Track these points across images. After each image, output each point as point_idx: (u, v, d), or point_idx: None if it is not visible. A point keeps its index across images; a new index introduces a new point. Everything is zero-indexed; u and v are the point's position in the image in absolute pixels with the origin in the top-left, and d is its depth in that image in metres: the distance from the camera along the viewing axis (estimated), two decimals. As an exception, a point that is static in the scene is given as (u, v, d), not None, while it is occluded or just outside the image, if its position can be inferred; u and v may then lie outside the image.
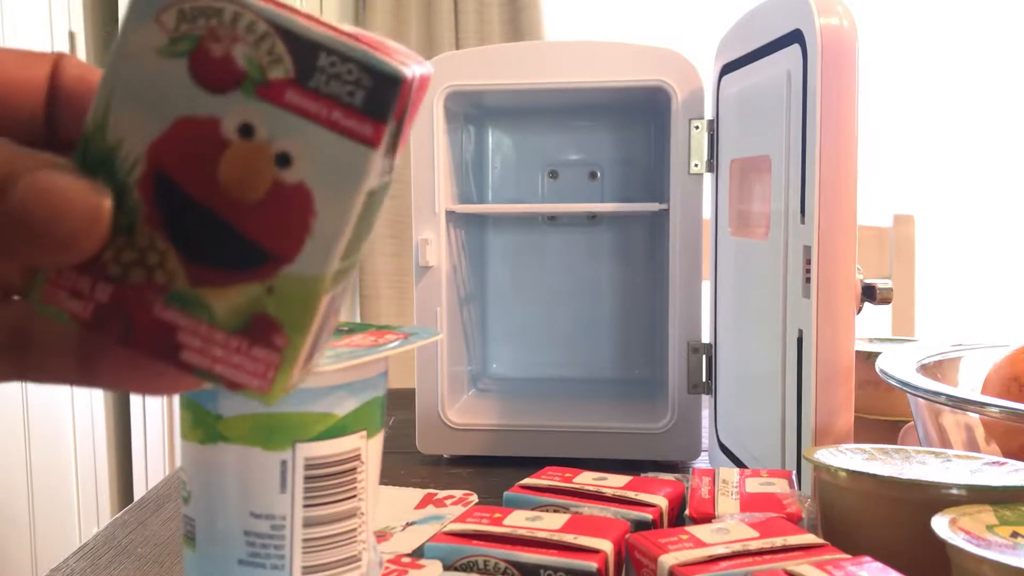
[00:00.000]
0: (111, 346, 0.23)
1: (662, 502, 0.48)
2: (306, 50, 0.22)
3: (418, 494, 0.64)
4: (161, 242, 0.22)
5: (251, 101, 0.22)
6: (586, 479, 0.51)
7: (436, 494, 0.64)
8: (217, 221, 0.22)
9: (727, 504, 0.46)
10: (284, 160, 0.22)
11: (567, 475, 0.52)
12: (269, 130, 0.22)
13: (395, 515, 0.59)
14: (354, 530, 0.32)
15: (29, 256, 0.21)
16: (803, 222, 0.56)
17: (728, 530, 0.41)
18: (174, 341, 0.22)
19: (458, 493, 0.64)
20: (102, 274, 0.22)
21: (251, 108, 0.22)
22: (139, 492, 1.97)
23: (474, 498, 0.63)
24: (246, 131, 0.22)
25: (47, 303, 0.23)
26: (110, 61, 0.22)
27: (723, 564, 0.38)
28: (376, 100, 0.22)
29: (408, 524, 0.57)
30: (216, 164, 0.22)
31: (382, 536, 0.55)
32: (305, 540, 0.31)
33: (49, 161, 0.21)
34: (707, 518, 0.45)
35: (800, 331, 0.56)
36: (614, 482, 0.51)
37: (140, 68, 0.22)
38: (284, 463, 0.31)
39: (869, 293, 0.57)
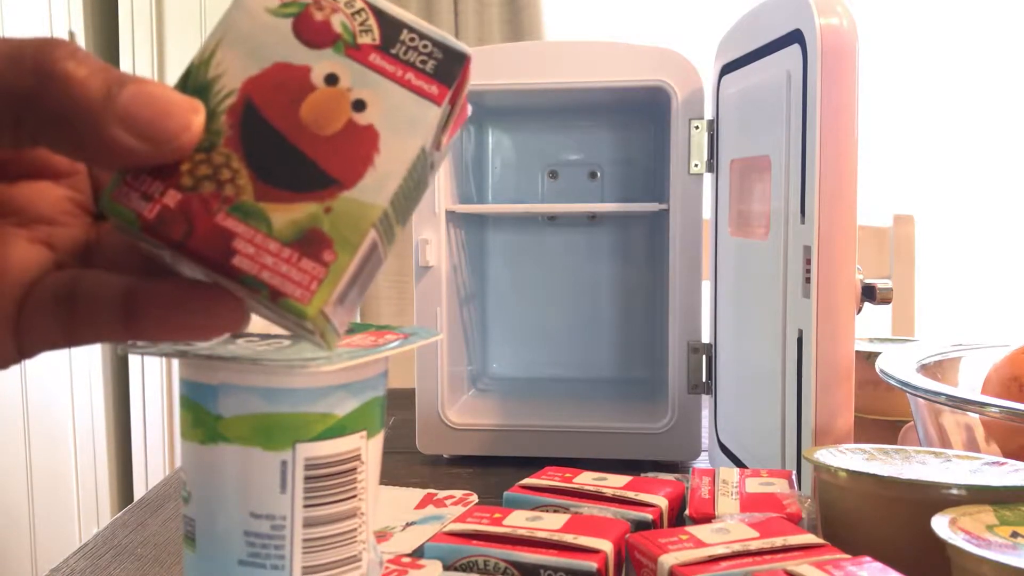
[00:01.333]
0: (152, 298, 0.26)
1: (662, 502, 0.48)
2: (392, 25, 0.27)
3: (418, 494, 0.64)
4: (236, 162, 0.26)
5: (340, 57, 0.27)
6: (586, 479, 0.51)
7: (436, 494, 0.64)
8: (292, 148, 0.26)
9: (727, 504, 0.46)
10: (360, 105, 0.26)
11: (567, 475, 0.52)
12: (351, 80, 0.26)
13: (395, 515, 0.59)
14: (354, 530, 0.32)
15: (122, 151, 0.24)
16: (803, 222, 0.56)
17: (728, 530, 0.41)
18: (229, 246, 0.25)
19: (458, 493, 0.64)
20: (175, 182, 0.25)
21: (339, 63, 0.26)
22: (139, 492, 1.97)
23: (474, 498, 0.63)
24: (331, 79, 0.26)
25: (116, 201, 0.25)
26: (226, 12, 0.27)
27: (723, 564, 0.38)
28: (444, 69, 0.27)
29: (408, 524, 0.57)
30: (301, 102, 0.26)
31: (382, 536, 0.55)
32: (305, 540, 0.31)
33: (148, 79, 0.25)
34: (707, 518, 0.45)
35: (800, 331, 0.56)
36: (614, 482, 0.51)
37: (251, 21, 0.27)
38: (284, 463, 0.31)
39: (869, 293, 0.57)
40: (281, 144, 0.26)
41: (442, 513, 0.60)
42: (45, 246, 0.27)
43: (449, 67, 0.27)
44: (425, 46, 0.27)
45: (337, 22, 0.27)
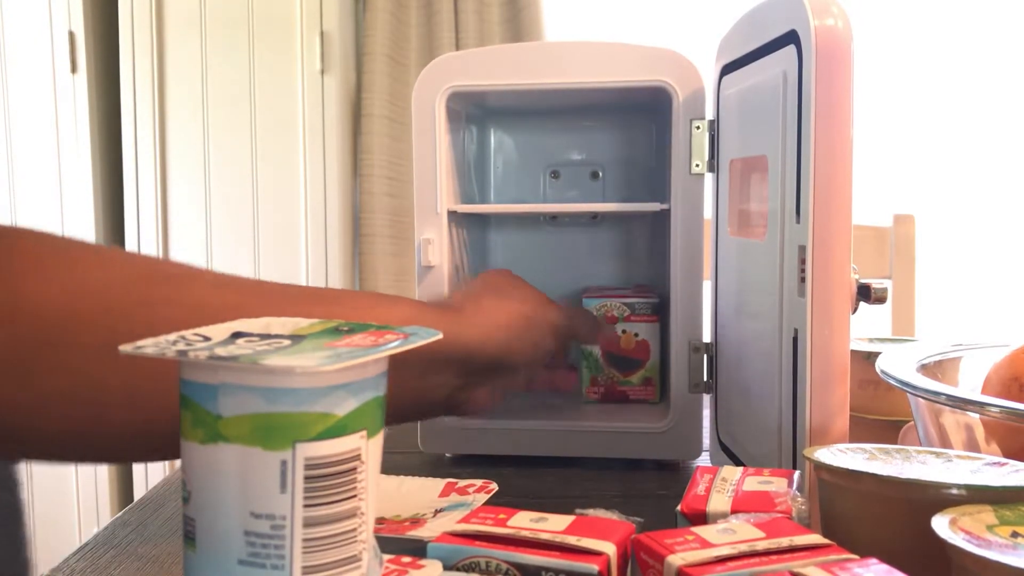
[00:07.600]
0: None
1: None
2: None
3: (439, 483, 0.64)
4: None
5: None
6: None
7: (457, 483, 0.64)
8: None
9: (719, 501, 0.46)
10: None
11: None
12: None
13: (423, 503, 0.60)
14: (354, 530, 0.32)
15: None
16: (798, 222, 0.56)
17: (734, 530, 0.41)
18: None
19: (478, 481, 0.64)
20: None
21: None
22: (139, 492, 1.97)
23: (494, 486, 0.63)
24: None
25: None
26: None
27: (730, 564, 0.38)
28: None
29: (438, 511, 0.58)
30: None
31: (416, 522, 0.55)
32: (305, 540, 0.31)
33: None
34: (698, 513, 0.45)
35: (795, 330, 0.56)
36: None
37: None
38: (284, 463, 0.31)
39: (864, 292, 0.57)
40: None
41: (467, 500, 0.60)
42: None
43: None
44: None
45: None
